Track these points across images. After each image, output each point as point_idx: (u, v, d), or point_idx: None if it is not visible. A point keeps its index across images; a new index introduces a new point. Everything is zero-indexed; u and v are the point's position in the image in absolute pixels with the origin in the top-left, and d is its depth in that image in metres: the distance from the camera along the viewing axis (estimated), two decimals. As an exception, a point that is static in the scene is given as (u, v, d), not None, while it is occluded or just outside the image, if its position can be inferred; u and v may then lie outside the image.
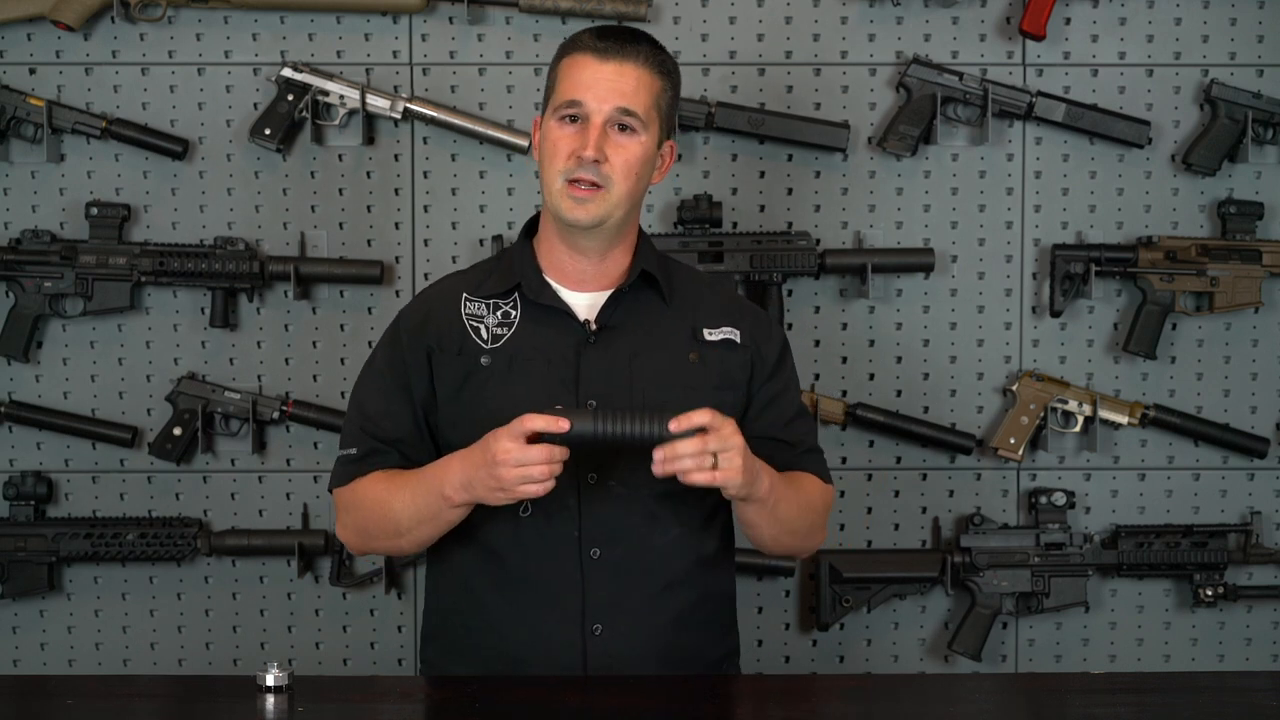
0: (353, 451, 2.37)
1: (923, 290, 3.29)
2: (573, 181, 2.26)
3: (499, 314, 2.35)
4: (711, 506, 2.35)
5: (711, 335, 2.37)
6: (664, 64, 2.33)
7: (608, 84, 2.27)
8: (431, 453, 2.36)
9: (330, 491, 2.41)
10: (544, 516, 2.28)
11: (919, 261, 3.24)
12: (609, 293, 2.34)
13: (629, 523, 2.29)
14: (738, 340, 2.37)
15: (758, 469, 2.20)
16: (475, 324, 2.35)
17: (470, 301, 2.36)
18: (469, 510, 2.25)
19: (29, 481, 3.22)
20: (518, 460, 2.12)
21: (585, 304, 2.35)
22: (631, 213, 2.34)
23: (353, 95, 3.19)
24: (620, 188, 2.27)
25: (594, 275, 2.35)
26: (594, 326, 2.33)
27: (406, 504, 2.28)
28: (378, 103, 3.20)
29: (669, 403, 2.27)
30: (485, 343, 2.33)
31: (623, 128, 2.27)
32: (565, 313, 2.33)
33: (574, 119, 2.28)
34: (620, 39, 2.31)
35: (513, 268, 2.38)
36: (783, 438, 2.39)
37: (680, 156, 3.23)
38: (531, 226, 2.42)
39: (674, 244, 3.15)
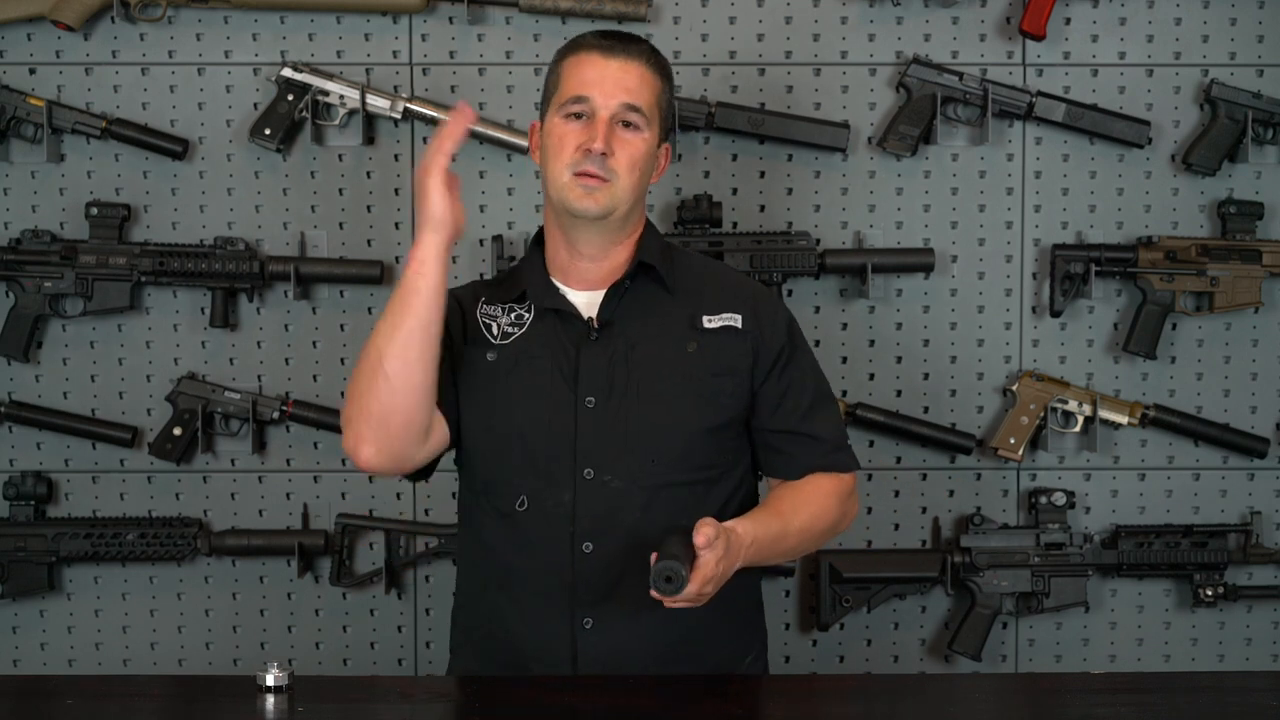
0: None
1: (923, 290, 3.29)
2: (580, 174, 2.29)
3: (512, 316, 2.40)
4: (718, 502, 2.35)
5: (711, 322, 2.38)
6: (663, 66, 2.39)
7: (614, 80, 2.31)
8: (450, 395, 2.34)
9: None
10: (539, 510, 2.32)
11: (919, 261, 3.24)
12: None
13: (624, 517, 2.30)
14: (739, 326, 2.38)
15: (725, 577, 2.20)
16: (488, 321, 2.40)
17: (486, 304, 2.42)
18: (435, 278, 2.23)
19: (29, 481, 3.22)
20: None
21: (589, 302, 2.38)
22: (635, 209, 2.36)
23: (353, 95, 3.19)
24: (625, 181, 2.31)
25: (596, 272, 2.38)
26: (596, 323, 2.35)
27: (383, 323, 2.25)
28: (378, 103, 3.20)
29: (667, 393, 2.30)
30: (494, 339, 2.37)
31: (627, 124, 2.31)
32: (570, 312, 2.36)
33: (580, 115, 2.31)
34: (623, 38, 2.36)
35: (521, 275, 2.43)
36: (802, 430, 2.39)
37: (680, 156, 3.23)
38: (540, 237, 2.45)
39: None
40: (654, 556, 2.12)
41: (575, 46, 2.36)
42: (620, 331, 2.35)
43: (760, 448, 2.42)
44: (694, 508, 2.32)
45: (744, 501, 2.41)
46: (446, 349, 2.31)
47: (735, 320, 2.38)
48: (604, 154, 2.28)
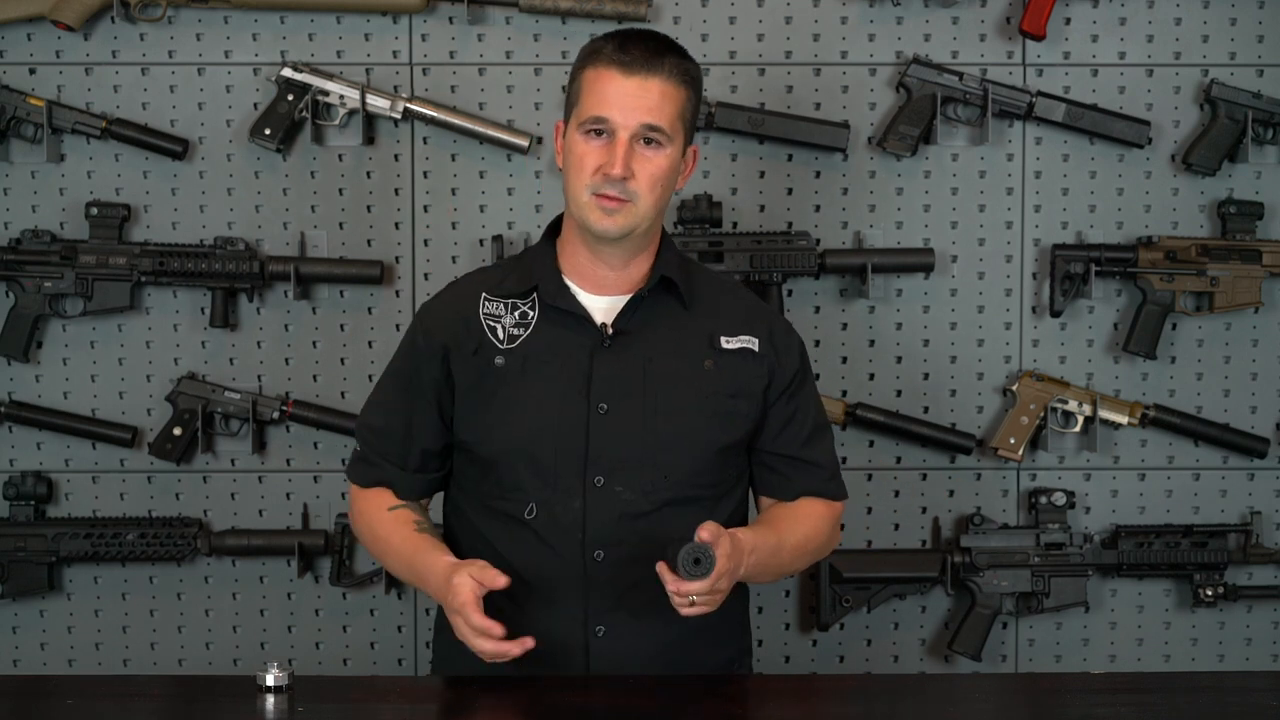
0: (358, 448, 2.45)
1: (923, 290, 3.29)
2: (600, 195, 2.27)
3: (516, 314, 2.36)
4: (720, 519, 2.35)
5: (729, 343, 2.37)
6: (687, 73, 2.32)
7: (633, 100, 2.27)
8: (429, 451, 2.39)
9: (347, 479, 2.47)
10: (549, 519, 2.30)
11: (919, 261, 3.24)
12: (628, 297, 2.35)
13: (634, 526, 2.29)
14: (756, 349, 2.38)
15: (734, 578, 2.22)
16: (492, 324, 2.36)
17: (489, 301, 2.38)
18: None
19: (29, 481, 3.22)
20: (470, 640, 2.19)
21: (604, 308, 2.35)
22: (656, 222, 2.35)
23: (353, 95, 3.19)
24: (646, 200, 2.28)
25: (615, 280, 2.36)
26: (610, 330, 2.33)
27: (397, 565, 2.39)
28: (378, 103, 3.19)
29: (682, 408, 2.29)
30: (501, 343, 2.35)
31: (648, 141, 2.28)
32: (582, 316, 2.34)
33: (600, 133, 2.28)
34: (645, 51, 2.29)
35: (532, 269, 2.39)
36: (802, 457, 2.41)
37: (680, 156, 3.23)
38: (555, 227, 2.42)
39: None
40: (661, 565, 2.13)
41: (595, 58, 2.30)
42: (636, 342, 2.34)
43: (757, 467, 2.43)
44: (698, 522, 2.32)
45: (740, 521, 2.42)
46: (426, 400, 2.37)
47: (753, 343, 2.38)
48: (624, 178, 2.26)
